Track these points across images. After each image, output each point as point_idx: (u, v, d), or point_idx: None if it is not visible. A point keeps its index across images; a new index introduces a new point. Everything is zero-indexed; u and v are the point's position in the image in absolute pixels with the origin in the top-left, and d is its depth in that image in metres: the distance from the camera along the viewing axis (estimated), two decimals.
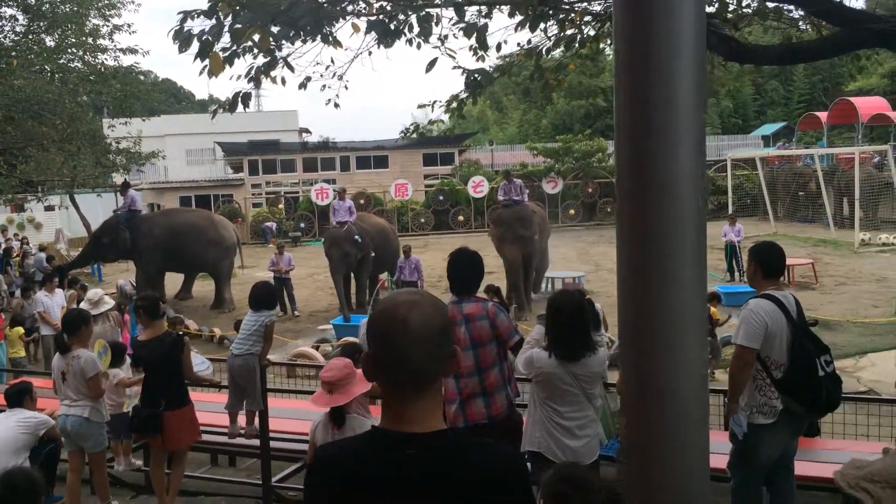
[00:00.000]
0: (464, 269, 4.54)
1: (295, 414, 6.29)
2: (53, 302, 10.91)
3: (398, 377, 1.57)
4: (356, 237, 15.07)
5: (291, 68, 4.87)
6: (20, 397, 5.59)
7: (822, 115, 31.11)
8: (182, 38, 3.90)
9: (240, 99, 4.70)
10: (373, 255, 15.28)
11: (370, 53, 5.98)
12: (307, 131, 44.34)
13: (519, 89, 52.30)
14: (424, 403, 1.58)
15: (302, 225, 30.13)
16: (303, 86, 6.12)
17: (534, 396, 4.03)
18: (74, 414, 5.43)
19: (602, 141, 33.93)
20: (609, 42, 7.30)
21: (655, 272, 1.33)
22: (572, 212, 32.23)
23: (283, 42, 5.22)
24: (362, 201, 29.53)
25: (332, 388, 3.66)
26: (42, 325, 10.94)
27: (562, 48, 5.95)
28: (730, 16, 6.13)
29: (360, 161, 34.53)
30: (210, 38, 3.96)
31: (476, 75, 4.63)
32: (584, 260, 22.03)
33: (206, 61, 3.98)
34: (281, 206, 31.83)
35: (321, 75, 6.12)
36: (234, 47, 4.86)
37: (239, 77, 5.26)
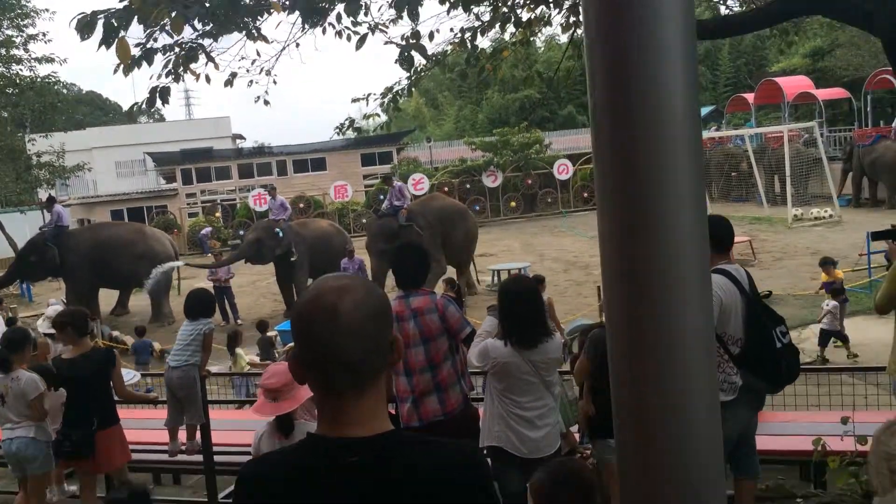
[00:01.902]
0: (409, 262, 4.37)
1: (239, 425, 6.01)
2: None
3: (332, 374, 1.35)
4: (277, 230, 15.07)
5: (213, 61, 4.60)
6: None
7: (749, 97, 31.86)
8: (83, 24, 3.57)
9: (158, 94, 4.39)
10: (293, 259, 15.16)
11: (297, 45, 5.76)
12: (241, 137, 43.46)
13: (454, 85, 52.37)
14: (365, 402, 1.37)
15: (241, 232, 29.38)
16: (229, 83, 5.86)
17: (490, 389, 3.86)
18: (20, 435, 5.07)
19: (539, 133, 34.14)
20: (540, 28, 7.24)
21: (652, 267, 1.12)
22: (513, 204, 32.33)
23: (205, 38, 4.96)
24: (301, 205, 29.06)
25: (277, 395, 3.42)
26: None
27: (496, 30, 5.82)
28: None
29: (297, 165, 33.99)
30: (115, 22, 3.65)
31: (409, 51, 4.43)
32: (528, 251, 22.08)
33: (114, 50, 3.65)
34: (218, 214, 31.03)
35: (247, 70, 5.87)
36: (148, 42, 4.58)
37: (160, 76, 4.98)
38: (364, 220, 30.71)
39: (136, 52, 4.70)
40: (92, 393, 5.04)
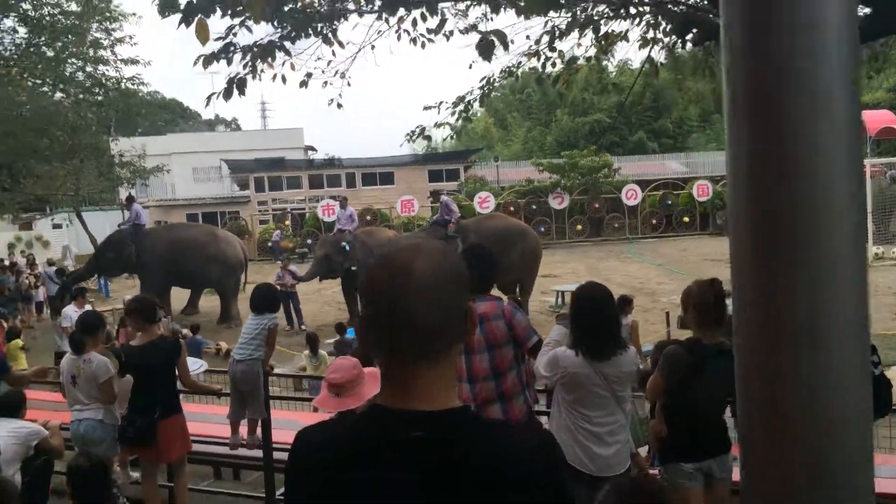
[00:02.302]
0: (477, 265, 4.27)
1: (300, 425, 6.00)
2: None
3: (401, 339, 1.23)
4: (343, 244, 15.02)
5: (290, 54, 4.66)
6: (14, 407, 5.34)
7: None
8: (166, 2, 3.62)
9: (235, 85, 4.46)
10: (354, 268, 15.06)
11: (373, 47, 5.80)
12: (313, 149, 44.24)
13: (523, 106, 52.34)
14: (435, 374, 1.25)
15: (309, 241, 29.89)
16: (304, 83, 5.93)
17: (558, 401, 3.72)
18: (88, 417, 5.18)
19: (608, 157, 33.76)
20: (616, 42, 7.11)
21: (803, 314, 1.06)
22: (579, 227, 32.01)
23: (282, 41, 5.04)
24: (368, 217, 29.36)
25: (340, 391, 3.38)
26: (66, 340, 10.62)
27: (572, 39, 5.75)
28: None
29: (366, 178, 34.43)
30: (195, 1, 3.69)
31: (490, 36, 4.35)
32: (593, 275, 21.70)
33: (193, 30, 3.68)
34: (287, 222, 31.67)
35: (323, 71, 5.94)
36: (228, 36, 4.67)
37: (237, 74, 5.07)
38: None
39: (215, 46, 4.81)
40: (157, 381, 5.08)
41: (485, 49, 4.26)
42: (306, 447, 1.34)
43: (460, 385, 4.20)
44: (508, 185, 33.83)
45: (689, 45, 7.38)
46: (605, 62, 8.01)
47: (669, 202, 32.42)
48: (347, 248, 15.04)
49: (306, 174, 34.33)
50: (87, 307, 10.61)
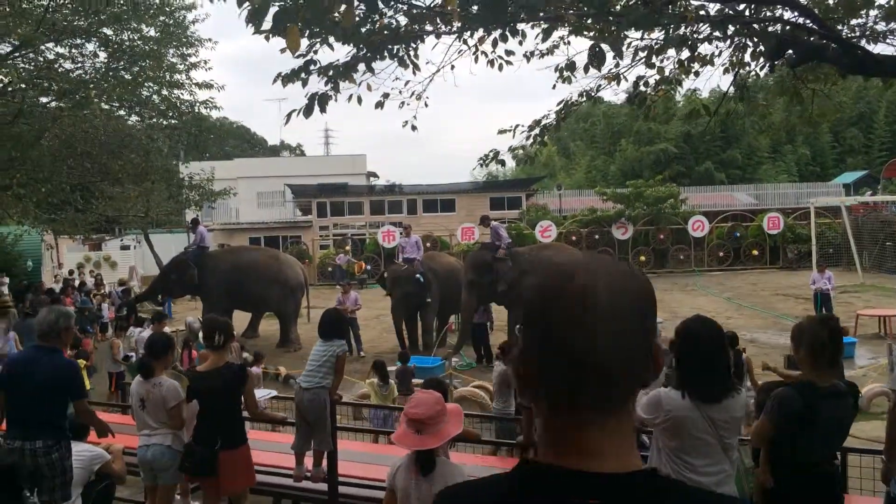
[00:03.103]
0: None
1: (365, 458, 5.75)
2: None
3: (575, 381, 0.99)
4: (417, 276, 14.79)
5: (372, 70, 4.51)
6: (80, 430, 5.25)
7: None
8: (253, 12, 3.45)
9: (316, 101, 4.30)
10: (429, 300, 14.88)
11: (452, 67, 5.64)
12: (375, 175, 44.67)
13: (587, 135, 51.89)
14: (614, 425, 1.01)
15: (368, 267, 30.02)
16: (380, 104, 5.81)
17: (658, 447, 3.35)
18: (156, 442, 5.06)
19: (674, 187, 33.02)
20: (699, 67, 6.79)
21: None
22: (643, 258, 31.27)
23: (359, 63, 4.92)
24: (428, 244, 29.28)
25: (421, 428, 3.10)
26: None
27: (672, 51, 5.49)
28: (857, 26, 5.59)
29: (427, 204, 34.44)
30: (287, 2, 3.54)
31: (599, 45, 4.08)
32: (659, 307, 20.94)
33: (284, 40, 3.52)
34: (348, 247, 31.85)
35: (400, 92, 5.83)
36: (309, 54, 4.55)
37: (317, 92, 4.94)
38: None
39: (294, 64, 4.69)
40: (220, 409, 4.89)
41: (597, 58, 4.02)
42: None
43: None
44: (571, 215, 33.39)
45: (775, 70, 7.05)
46: (672, 92, 7.76)
47: (738, 234, 31.50)
48: (422, 280, 14.84)
49: (368, 200, 34.54)
50: (166, 330, 10.66)
